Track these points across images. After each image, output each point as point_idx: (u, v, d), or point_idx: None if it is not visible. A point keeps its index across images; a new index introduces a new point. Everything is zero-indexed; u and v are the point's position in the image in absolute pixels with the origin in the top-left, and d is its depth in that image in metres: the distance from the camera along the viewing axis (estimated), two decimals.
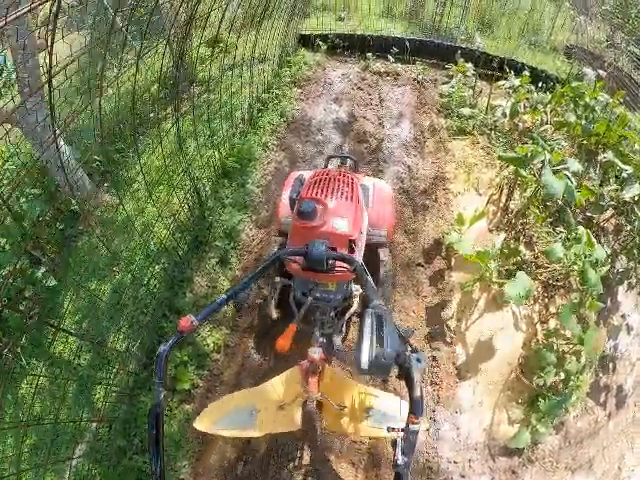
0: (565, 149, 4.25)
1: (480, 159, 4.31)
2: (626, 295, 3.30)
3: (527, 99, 4.87)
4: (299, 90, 5.10)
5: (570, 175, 2.88)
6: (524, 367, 2.67)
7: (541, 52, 6.97)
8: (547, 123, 4.73)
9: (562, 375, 2.52)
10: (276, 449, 2.34)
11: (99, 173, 3.97)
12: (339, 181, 2.25)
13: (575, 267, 2.72)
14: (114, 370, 2.61)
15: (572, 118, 4.28)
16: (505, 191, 3.80)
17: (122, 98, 4.50)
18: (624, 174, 3.63)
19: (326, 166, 3.10)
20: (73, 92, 3.20)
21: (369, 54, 5.74)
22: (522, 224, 3.52)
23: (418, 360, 0.96)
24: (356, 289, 2.28)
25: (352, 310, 2.32)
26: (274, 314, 2.49)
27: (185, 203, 3.26)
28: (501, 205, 3.76)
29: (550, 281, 3.20)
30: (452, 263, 3.35)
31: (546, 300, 3.07)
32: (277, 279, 2.41)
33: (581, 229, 2.90)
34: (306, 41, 5.99)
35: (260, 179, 3.89)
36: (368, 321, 1.05)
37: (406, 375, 0.95)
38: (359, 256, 2.05)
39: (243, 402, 1.63)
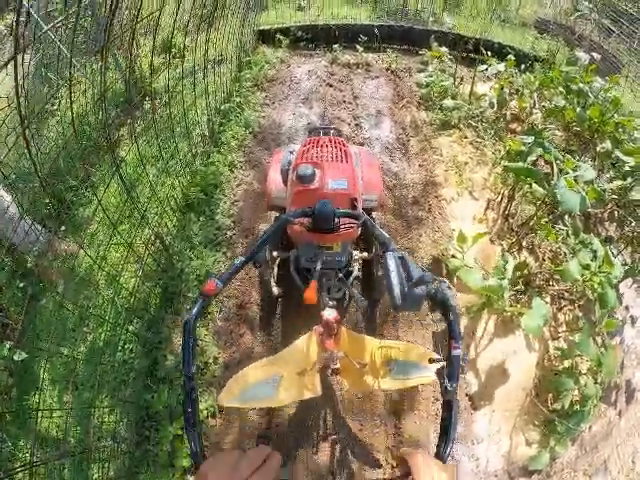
0: (559, 138, 3.92)
1: (470, 156, 3.93)
2: (627, 285, 3.08)
3: (510, 83, 4.52)
4: (263, 94, 4.56)
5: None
6: (539, 389, 2.51)
7: (511, 28, 6.63)
8: (534, 107, 4.40)
9: (578, 397, 2.37)
10: (298, 421, 2.33)
11: (53, 218, 3.41)
12: (331, 146, 2.25)
13: (591, 283, 2.49)
14: (106, 448, 2.32)
15: (562, 102, 3.96)
16: (505, 195, 3.45)
17: (66, 127, 3.93)
18: (626, 167, 3.34)
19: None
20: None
21: (335, 45, 5.23)
22: (526, 233, 3.19)
23: (449, 287, 0.97)
24: (355, 254, 2.30)
25: (354, 275, 2.34)
26: (275, 290, 2.50)
27: (148, 251, 2.76)
28: (501, 211, 3.41)
29: (560, 294, 2.91)
30: (455, 283, 2.99)
31: (556, 313, 2.86)
32: (274, 253, 2.38)
33: (596, 243, 2.60)
34: (266, 37, 5.42)
35: (230, 207, 3.38)
36: (391, 262, 1.08)
37: (441, 302, 0.96)
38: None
39: (263, 373, 1.58)
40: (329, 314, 1.52)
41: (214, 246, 3.16)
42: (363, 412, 2.40)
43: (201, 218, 3.25)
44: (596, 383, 2.38)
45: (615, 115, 3.59)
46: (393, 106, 4.49)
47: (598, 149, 3.69)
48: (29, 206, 3.33)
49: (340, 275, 2.19)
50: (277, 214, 2.58)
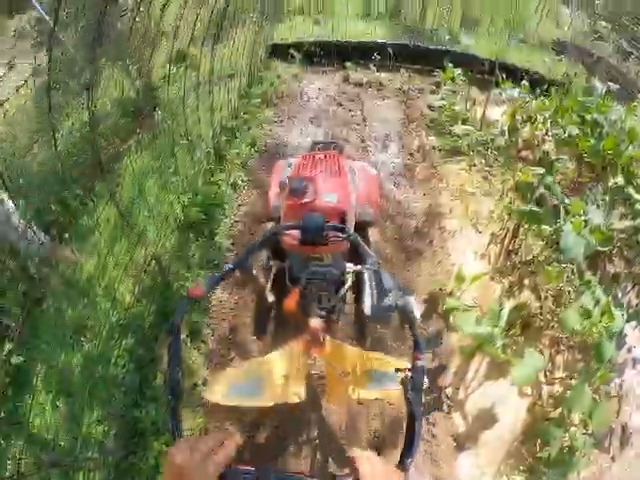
0: (570, 171, 3.82)
1: (477, 186, 3.85)
2: (632, 326, 2.91)
3: (523, 109, 4.43)
4: (272, 111, 4.56)
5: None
6: (527, 435, 2.42)
7: (528, 49, 6.51)
8: (547, 134, 4.30)
9: (567, 446, 2.26)
10: (281, 425, 2.34)
11: (57, 225, 3.44)
12: (326, 161, 2.32)
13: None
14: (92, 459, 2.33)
15: (575, 131, 3.86)
16: (509, 230, 3.36)
17: (76, 135, 3.95)
18: (638, 205, 3.23)
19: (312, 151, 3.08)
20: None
21: (349, 63, 5.20)
22: (530, 271, 3.10)
23: (415, 300, 0.96)
24: (349, 267, 2.30)
25: (346, 287, 2.32)
26: (270, 298, 2.51)
27: (145, 271, 2.76)
28: (504, 247, 3.33)
29: (559, 339, 2.81)
30: (450, 322, 2.91)
31: (554, 355, 2.75)
32: (271, 263, 2.44)
33: (599, 291, 2.49)
34: (279, 51, 5.41)
35: (231, 228, 3.37)
36: (366, 276, 1.26)
37: (407, 313, 1.02)
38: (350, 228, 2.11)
39: (249, 373, 1.66)
40: (315, 323, 1.60)
41: (211, 268, 3.13)
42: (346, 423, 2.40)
43: (200, 238, 3.23)
44: (586, 434, 2.29)
45: (630, 147, 3.48)
46: (402, 129, 4.44)
47: (610, 184, 3.58)
48: (34, 213, 3.35)
49: (330, 287, 2.19)
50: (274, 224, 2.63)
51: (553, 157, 3.98)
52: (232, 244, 3.30)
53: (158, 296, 2.90)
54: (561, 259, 3.04)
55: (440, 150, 4.21)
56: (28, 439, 2.43)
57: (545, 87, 5.33)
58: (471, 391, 2.59)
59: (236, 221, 3.43)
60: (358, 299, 2.65)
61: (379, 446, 2.36)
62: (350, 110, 4.67)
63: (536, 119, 4.26)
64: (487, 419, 2.49)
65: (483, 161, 4.08)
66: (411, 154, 4.13)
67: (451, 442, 2.43)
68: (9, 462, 2.34)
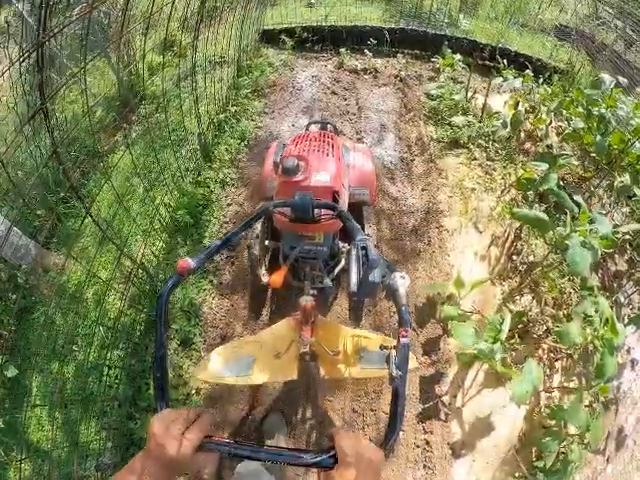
0: (574, 167, 3.66)
1: (478, 181, 3.69)
2: (632, 329, 2.86)
3: (527, 100, 4.24)
4: (262, 101, 4.32)
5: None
6: (523, 442, 2.41)
7: (529, 34, 6.25)
8: (550, 125, 4.12)
9: (563, 457, 2.23)
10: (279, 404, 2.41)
11: (43, 231, 3.27)
12: (319, 140, 2.32)
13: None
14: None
15: (580, 124, 3.69)
16: (511, 231, 3.22)
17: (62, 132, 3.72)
18: None
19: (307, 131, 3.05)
20: None
21: (343, 49, 4.93)
22: (530, 276, 2.97)
23: (402, 277, 1.00)
24: (343, 245, 2.36)
25: (340, 266, 2.40)
26: (264, 278, 2.54)
27: (130, 280, 2.60)
28: (505, 249, 3.19)
29: (558, 348, 2.72)
30: (449, 327, 2.79)
31: (552, 362, 2.71)
32: (267, 242, 2.48)
33: (602, 302, 2.36)
34: (270, 37, 5.12)
35: (219, 230, 3.19)
36: (354, 252, 1.24)
37: (392, 290, 1.00)
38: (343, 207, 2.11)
39: (240, 351, 1.66)
40: (305, 301, 1.59)
41: (200, 273, 2.99)
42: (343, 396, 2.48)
43: (188, 242, 3.07)
44: (582, 445, 2.23)
45: (638, 144, 3.32)
46: (399, 120, 4.22)
47: (616, 183, 3.43)
48: (20, 218, 3.19)
49: (321, 265, 2.26)
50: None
51: (557, 151, 3.82)
52: None
53: (147, 304, 2.79)
54: (564, 266, 2.94)
55: (439, 142, 4.02)
56: (28, 451, 2.44)
57: (547, 74, 5.18)
58: (468, 399, 2.56)
59: (226, 222, 3.26)
60: (347, 276, 2.71)
61: (369, 424, 2.42)
62: (345, 99, 4.44)
63: (540, 110, 4.07)
64: (484, 427, 2.47)
65: (484, 154, 3.90)
66: (409, 146, 3.94)
67: (447, 450, 2.40)
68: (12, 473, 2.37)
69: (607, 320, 2.24)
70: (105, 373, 2.55)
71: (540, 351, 2.76)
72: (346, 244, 2.38)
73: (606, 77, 3.40)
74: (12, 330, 2.84)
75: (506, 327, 2.42)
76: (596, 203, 3.74)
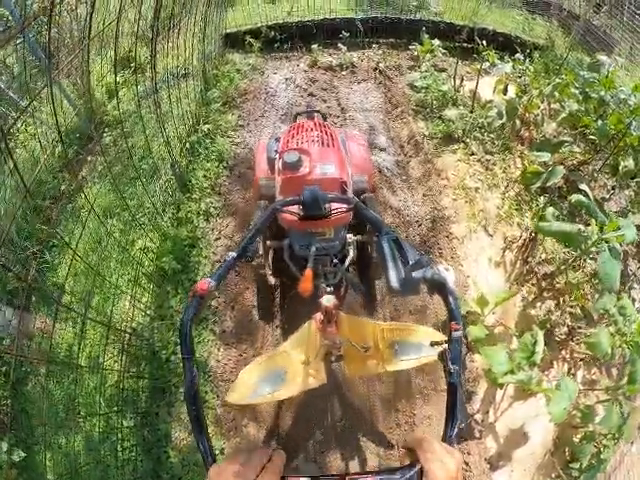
0: (577, 155, 3.45)
1: (479, 177, 3.44)
2: None
3: (519, 85, 4.00)
4: (235, 114, 3.93)
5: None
6: (557, 445, 2.34)
7: (499, 9, 6.03)
8: (543, 112, 3.91)
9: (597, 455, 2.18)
10: (307, 411, 2.30)
11: (19, 292, 2.90)
12: (316, 130, 2.22)
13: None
14: None
15: (575, 107, 3.49)
16: (525, 234, 3.01)
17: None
18: None
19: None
20: None
21: (314, 45, 4.56)
22: (551, 281, 2.77)
23: (447, 269, 0.95)
24: (349, 237, 2.24)
25: (349, 258, 2.27)
26: (272, 280, 2.47)
27: (123, 347, 2.29)
28: (520, 253, 2.98)
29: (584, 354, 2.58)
30: (472, 344, 2.59)
31: (576, 363, 2.59)
32: (268, 243, 2.34)
33: (629, 307, 2.19)
34: (234, 41, 4.69)
35: (212, 270, 2.86)
36: (386, 246, 1.08)
37: (439, 285, 0.94)
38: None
39: (267, 368, 1.61)
40: (327, 301, 1.50)
41: (199, 322, 2.67)
42: (372, 398, 2.37)
43: (179, 290, 2.74)
44: (614, 440, 2.15)
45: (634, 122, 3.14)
46: (386, 117, 3.92)
47: (620, 167, 3.25)
48: None
49: (335, 261, 2.15)
50: (266, 203, 2.47)
51: (554, 137, 3.62)
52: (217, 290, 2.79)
53: (147, 369, 2.52)
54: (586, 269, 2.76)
55: (432, 138, 3.74)
56: None
57: (527, 51, 4.99)
58: (500, 414, 2.47)
59: (217, 260, 2.92)
60: (363, 272, 2.70)
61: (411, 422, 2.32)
62: (324, 101, 4.11)
63: (531, 95, 3.83)
64: (518, 438, 2.39)
65: (481, 147, 3.66)
66: (402, 147, 3.65)
67: (485, 465, 2.28)
68: None
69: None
70: (119, 447, 2.31)
71: (564, 352, 2.63)
72: (352, 235, 2.26)
73: (603, 58, 3.18)
74: (9, 404, 2.56)
75: (540, 348, 2.25)
76: (600, 187, 3.59)
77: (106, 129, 3.70)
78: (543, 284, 2.89)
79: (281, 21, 4.70)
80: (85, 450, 2.40)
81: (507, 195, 3.37)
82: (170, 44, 3.53)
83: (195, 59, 3.89)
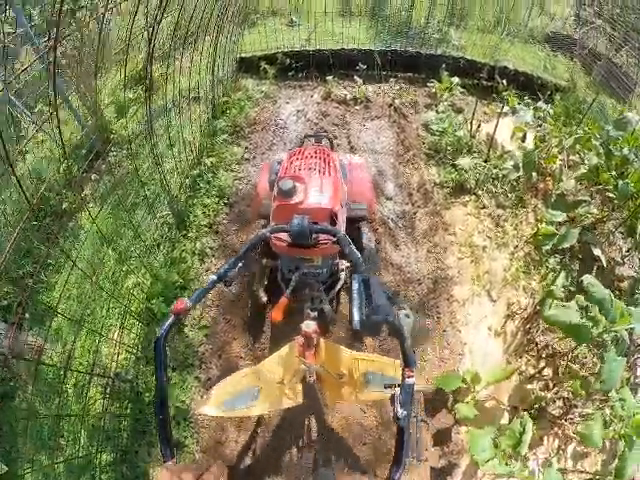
0: (596, 216, 3.29)
1: (489, 235, 3.30)
2: None
3: (540, 135, 3.85)
4: (242, 145, 3.82)
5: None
6: None
7: (521, 44, 5.89)
8: (566, 166, 3.74)
9: None
10: (283, 428, 2.33)
11: (13, 309, 2.86)
12: (315, 157, 2.26)
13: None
14: None
15: (594, 160, 3.34)
16: (528, 307, 2.86)
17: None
18: None
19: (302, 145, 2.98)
20: None
21: (330, 77, 4.45)
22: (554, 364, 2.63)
23: (407, 316, 1.07)
24: (342, 263, 2.29)
25: (340, 284, 2.34)
26: (263, 297, 2.51)
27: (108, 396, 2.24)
28: (522, 324, 2.83)
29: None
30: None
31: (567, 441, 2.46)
32: (264, 261, 2.44)
33: (627, 395, 2.07)
34: (248, 66, 4.59)
35: (201, 315, 2.74)
36: (356, 285, 1.14)
37: (396, 330, 1.02)
38: (341, 229, 2.05)
39: (244, 382, 1.65)
40: (307, 326, 1.54)
41: (184, 368, 2.59)
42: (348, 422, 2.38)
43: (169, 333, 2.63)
44: None
45: None
46: (397, 161, 3.79)
47: (638, 230, 3.09)
48: None
49: (321, 287, 2.19)
50: (265, 222, 2.61)
51: (572, 195, 3.45)
52: (205, 335, 2.72)
53: (130, 407, 2.48)
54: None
55: (443, 187, 3.61)
56: None
57: (548, 93, 4.85)
58: None
59: (207, 305, 2.81)
60: (349, 311, 2.67)
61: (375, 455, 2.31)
62: (335, 137, 3.98)
63: (550, 144, 3.68)
64: None
65: (493, 201, 3.51)
66: (410, 195, 3.52)
67: None
68: None
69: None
70: (97, 479, 2.28)
71: (556, 428, 2.50)
72: (344, 261, 2.31)
73: (631, 115, 3.02)
74: None
75: (528, 437, 2.13)
76: (614, 249, 3.43)
77: (112, 148, 3.63)
78: (543, 354, 2.77)
79: (298, 48, 4.59)
80: (66, 473, 2.36)
81: (516, 255, 3.22)
82: (184, 63, 3.44)
83: (207, 81, 3.81)
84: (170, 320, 1.09)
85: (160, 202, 3.06)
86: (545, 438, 2.47)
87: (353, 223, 2.53)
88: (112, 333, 2.67)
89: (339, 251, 2.11)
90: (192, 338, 2.71)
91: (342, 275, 2.34)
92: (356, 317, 1.07)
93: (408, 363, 0.97)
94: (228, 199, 3.33)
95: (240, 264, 1.35)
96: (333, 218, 1.95)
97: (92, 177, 3.61)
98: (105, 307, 2.75)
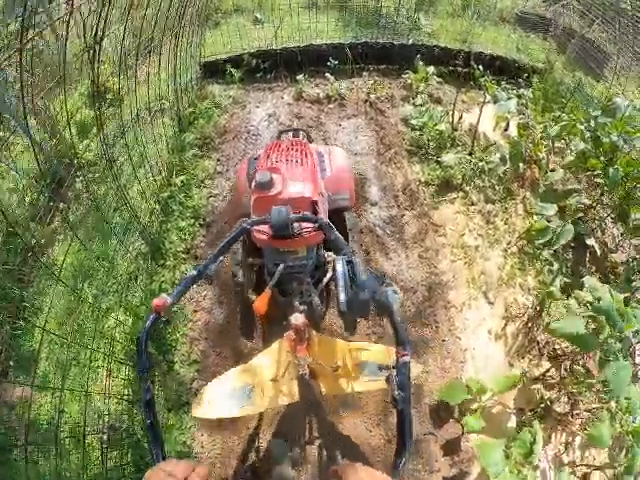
0: (586, 207, 3.20)
1: (480, 233, 3.18)
2: None
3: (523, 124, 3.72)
4: (214, 158, 3.58)
5: None
6: None
7: (492, 27, 5.77)
8: (552, 153, 3.65)
9: None
10: (281, 425, 2.28)
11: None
12: (291, 149, 2.28)
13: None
14: None
15: (581, 146, 3.25)
16: (529, 311, 2.77)
17: None
18: None
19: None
20: None
21: (300, 76, 4.22)
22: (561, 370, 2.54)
23: (394, 292, 0.96)
24: (328, 255, 2.26)
25: (328, 277, 2.32)
26: (252, 297, 2.47)
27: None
28: (522, 326, 2.74)
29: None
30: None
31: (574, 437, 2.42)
32: (249, 260, 2.39)
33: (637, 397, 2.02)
34: (214, 70, 4.30)
35: (190, 349, 2.56)
36: (340, 266, 1.14)
37: (386, 308, 0.95)
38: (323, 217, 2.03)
39: (236, 382, 1.61)
40: (295, 319, 1.53)
41: (179, 407, 2.42)
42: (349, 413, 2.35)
43: (157, 373, 2.46)
44: None
45: None
46: (378, 161, 3.62)
47: (630, 220, 3.02)
48: None
49: (308, 280, 2.16)
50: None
51: (562, 185, 3.36)
52: (197, 371, 2.54)
53: (131, 453, 2.33)
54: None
55: (428, 185, 3.46)
56: None
57: (526, 76, 4.76)
58: None
59: (196, 338, 2.62)
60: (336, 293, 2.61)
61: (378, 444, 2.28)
62: (310, 141, 3.78)
63: (536, 137, 3.56)
64: None
65: (481, 196, 3.39)
66: (395, 197, 3.36)
67: None
68: None
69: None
70: None
71: (562, 425, 2.45)
72: (331, 252, 2.26)
73: (620, 101, 2.91)
74: None
75: (539, 447, 2.08)
76: (607, 237, 3.37)
77: (77, 173, 3.35)
78: (545, 352, 2.70)
79: (265, 47, 4.33)
80: None
81: (509, 252, 3.12)
82: (143, 73, 3.17)
83: (170, 92, 3.54)
84: (151, 319, 1.03)
85: (132, 230, 2.82)
86: (552, 435, 2.43)
87: (336, 214, 2.50)
88: (100, 375, 2.49)
89: (323, 240, 2.08)
90: (183, 375, 2.52)
91: (329, 268, 2.32)
92: (342, 298, 1.06)
93: (401, 341, 0.90)
94: (204, 219, 3.10)
95: (221, 258, 1.26)
96: (314, 207, 1.93)
97: (60, 206, 3.34)
98: (90, 348, 2.54)
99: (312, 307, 2.24)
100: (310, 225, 1.51)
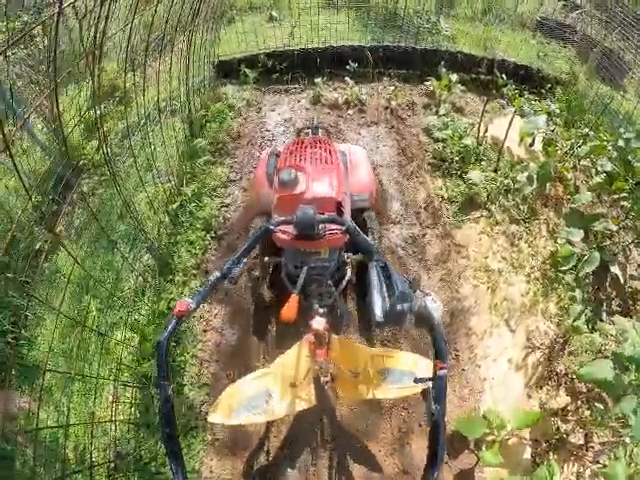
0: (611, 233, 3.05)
1: (504, 256, 3.03)
2: None
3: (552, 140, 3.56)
4: (227, 164, 3.41)
5: None
6: None
7: (511, 31, 5.60)
8: (578, 171, 3.50)
9: None
10: (296, 430, 2.19)
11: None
12: (315, 147, 2.19)
13: None
14: None
15: (608, 167, 3.12)
16: (552, 343, 2.64)
17: None
18: None
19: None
20: None
21: (318, 79, 4.04)
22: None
23: (434, 301, 0.92)
24: (347, 256, 2.21)
25: (347, 278, 2.24)
26: (267, 296, 2.44)
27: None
28: (543, 354, 2.62)
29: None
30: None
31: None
32: (266, 259, 2.32)
33: None
34: (228, 70, 4.12)
35: (200, 371, 2.42)
36: (374, 274, 1.08)
37: (426, 319, 0.91)
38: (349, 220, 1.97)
39: (255, 387, 1.57)
40: (318, 323, 1.47)
41: (188, 431, 2.28)
42: (363, 419, 2.27)
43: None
44: None
45: None
46: (399, 174, 3.46)
47: None
48: None
49: (329, 282, 2.06)
50: (267, 217, 2.41)
51: (588, 208, 3.21)
52: (207, 394, 2.41)
53: (136, 476, 2.20)
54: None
55: (451, 202, 3.30)
56: None
57: (549, 87, 4.61)
58: None
59: (205, 360, 2.48)
60: (364, 296, 2.49)
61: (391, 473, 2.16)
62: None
63: (564, 157, 3.41)
64: None
65: (506, 215, 3.24)
66: (417, 214, 3.20)
67: None
68: None
69: None
70: None
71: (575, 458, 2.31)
72: (350, 254, 2.21)
73: None
74: None
75: None
76: (630, 264, 3.23)
77: (83, 175, 3.20)
78: (563, 382, 2.57)
79: (281, 48, 4.14)
80: None
81: (532, 277, 2.98)
82: (154, 72, 2.99)
83: (182, 93, 3.36)
84: (172, 324, 1.00)
85: (138, 244, 2.67)
86: (565, 466, 2.30)
87: (356, 214, 2.42)
88: (106, 392, 2.37)
89: (346, 242, 2.01)
90: (193, 399, 2.39)
91: (348, 269, 2.24)
92: (378, 308, 1.00)
93: (440, 355, 0.87)
94: (216, 232, 2.94)
95: (245, 260, 1.23)
96: (339, 208, 1.87)
97: (65, 210, 3.18)
98: (95, 363, 2.39)
99: (332, 310, 2.14)
100: (336, 227, 1.49)
